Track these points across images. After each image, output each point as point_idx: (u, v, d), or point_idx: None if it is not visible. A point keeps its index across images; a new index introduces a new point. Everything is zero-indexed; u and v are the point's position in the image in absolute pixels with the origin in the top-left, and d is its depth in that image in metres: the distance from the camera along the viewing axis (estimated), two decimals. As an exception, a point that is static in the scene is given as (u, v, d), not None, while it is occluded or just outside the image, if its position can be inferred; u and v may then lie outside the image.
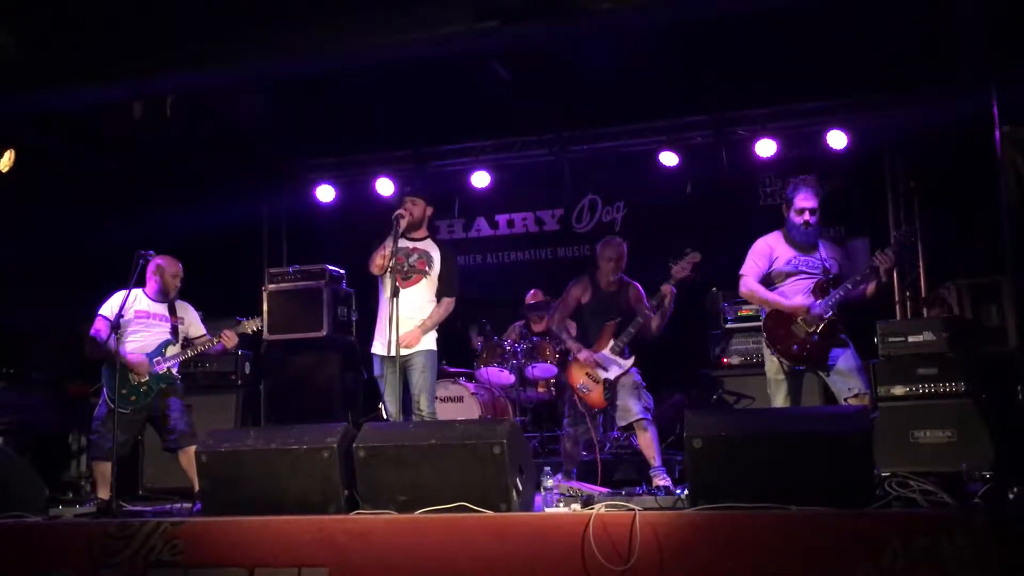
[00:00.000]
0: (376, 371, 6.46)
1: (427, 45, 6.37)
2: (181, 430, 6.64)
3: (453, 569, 4.33)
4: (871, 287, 5.83)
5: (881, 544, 3.88)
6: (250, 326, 7.03)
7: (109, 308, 6.58)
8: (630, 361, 6.66)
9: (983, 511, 4.06)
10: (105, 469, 6.36)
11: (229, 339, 6.79)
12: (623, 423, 6.67)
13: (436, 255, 6.52)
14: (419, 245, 6.52)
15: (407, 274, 6.37)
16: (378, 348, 6.38)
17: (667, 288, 6.53)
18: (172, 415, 6.64)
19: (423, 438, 4.75)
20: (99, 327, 6.55)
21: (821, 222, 6.05)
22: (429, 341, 6.43)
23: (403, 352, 6.12)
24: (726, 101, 8.94)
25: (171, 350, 6.73)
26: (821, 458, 4.28)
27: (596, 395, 6.67)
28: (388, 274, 6.24)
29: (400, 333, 6.02)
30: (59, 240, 8.59)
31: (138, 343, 6.64)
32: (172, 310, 6.82)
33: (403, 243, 6.36)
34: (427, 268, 6.45)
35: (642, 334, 6.64)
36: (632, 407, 6.54)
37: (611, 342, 6.69)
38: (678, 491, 5.20)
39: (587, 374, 6.71)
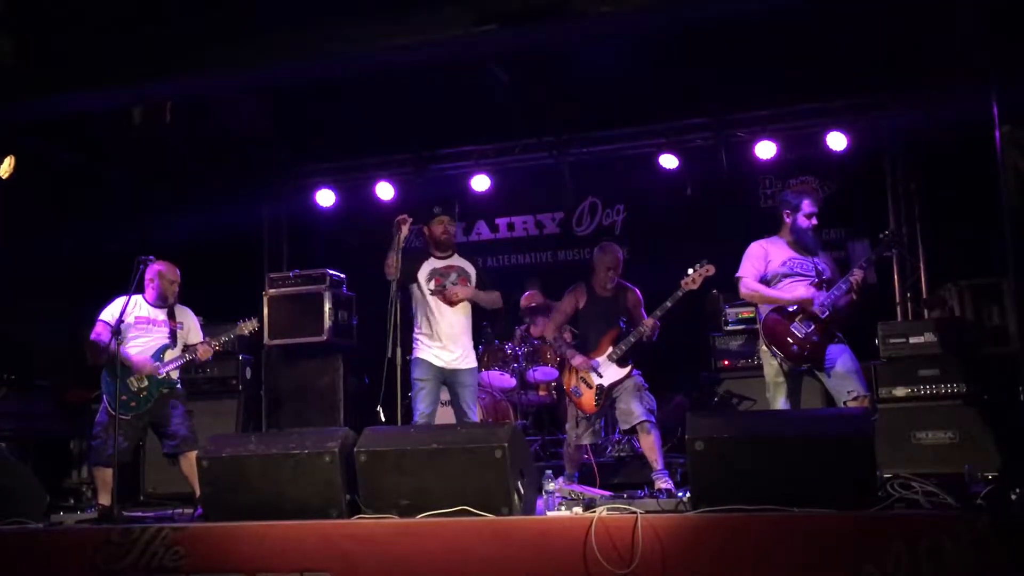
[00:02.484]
0: (421, 374, 6.51)
1: (426, 49, 6.37)
2: (182, 435, 6.63)
3: (455, 573, 4.33)
4: (853, 297, 5.89)
5: (884, 546, 3.88)
6: (247, 327, 7.03)
7: (110, 313, 6.58)
8: (626, 369, 6.66)
9: (986, 512, 4.05)
10: (106, 475, 6.36)
11: (204, 353, 6.81)
12: (626, 426, 6.67)
13: (470, 268, 6.69)
14: (452, 262, 6.67)
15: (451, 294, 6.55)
16: (427, 355, 6.52)
17: (650, 323, 6.53)
18: (173, 420, 6.64)
19: (424, 442, 4.75)
20: (100, 331, 6.54)
21: (820, 224, 6.11)
22: (471, 359, 6.64)
23: (452, 366, 6.47)
24: (726, 103, 8.94)
25: (169, 354, 6.72)
26: (823, 460, 4.28)
27: (587, 399, 6.68)
28: (430, 293, 6.51)
29: (450, 347, 6.46)
30: (60, 246, 8.59)
31: (139, 348, 6.63)
32: (172, 315, 6.82)
33: (435, 264, 6.58)
34: (468, 283, 6.63)
35: (640, 340, 6.66)
36: (635, 409, 6.53)
37: (609, 349, 6.69)
38: (680, 494, 5.19)
39: (580, 378, 6.73)
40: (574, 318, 7.00)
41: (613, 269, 6.84)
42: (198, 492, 6.32)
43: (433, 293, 6.50)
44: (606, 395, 6.66)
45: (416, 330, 6.62)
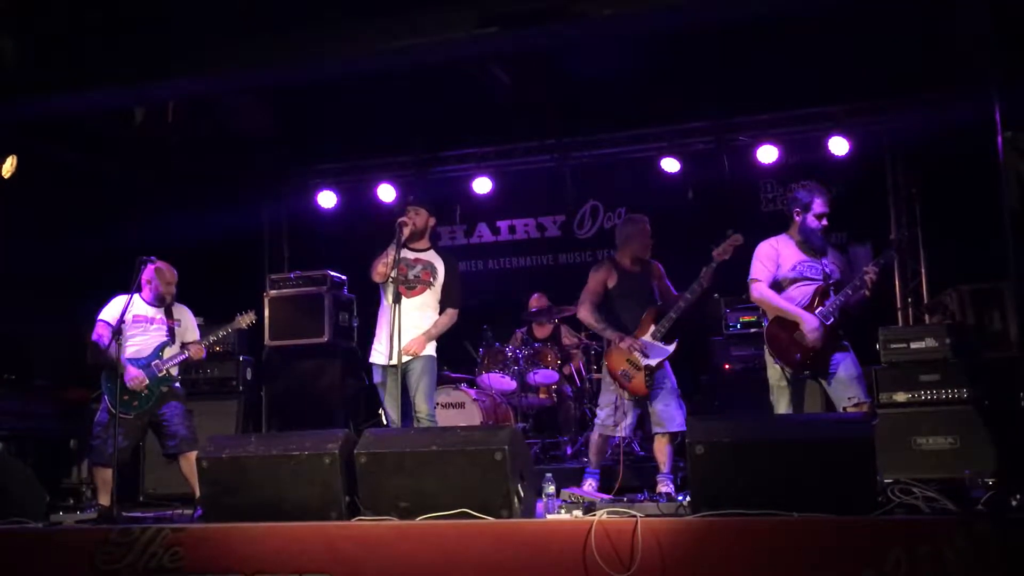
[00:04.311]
0: (376, 379, 6.43)
1: (429, 51, 6.38)
2: (182, 435, 6.62)
3: (454, 576, 4.33)
4: (867, 294, 5.85)
5: (884, 551, 3.87)
6: (245, 320, 7.02)
7: (109, 313, 6.58)
8: (673, 346, 6.44)
9: (986, 517, 4.05)
10: (106, 475, 6.35)
11: (196, 353, 6.80)
12: (661, 429, 6.44)
13: (440, 266, 6.48)
14: (422, 256, 6.48)
15: (411, 284, 6.35)
16: (377, 357, 6.36)
17: (707, 273, 6.30)
18: (173, 420, 6.63)
19: (424, 444, 4.74)
20: (101, 332, 6.54)
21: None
22: (428, 347, 6.41)
23: (403, 359, 6.13)
24: (727, 107, 8.95)
25: (168, 352, 6.72)
26: (824, 465, 4.28)
27: (639, 382, 6.40)
28: (390, 282, 6.22)
29: (403, 342, 6.04)
30: (61, 246, 8.59)
31: (137, 347, 6.63)
32: (169, 312, 6.83)
33: (405, 253, 6.33)
34: (431, 279, 6.43)
35: (680, 316, 6.45)
36: (677, 417, 6.38)
37: (652, 328, 6.45)
38: (680, 497, 5.18)
39: (628, 360, 6.43)
40: (604, 297, 6.68)
41: (647, 236, 6.66)
42: (198, 493, 6.33)
43: (393, 281, 6.18)
44: (653, 376, 6.45)
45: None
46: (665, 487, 6.25)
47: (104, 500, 6.38)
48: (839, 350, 5.83)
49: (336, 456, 4.80)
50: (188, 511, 6.02)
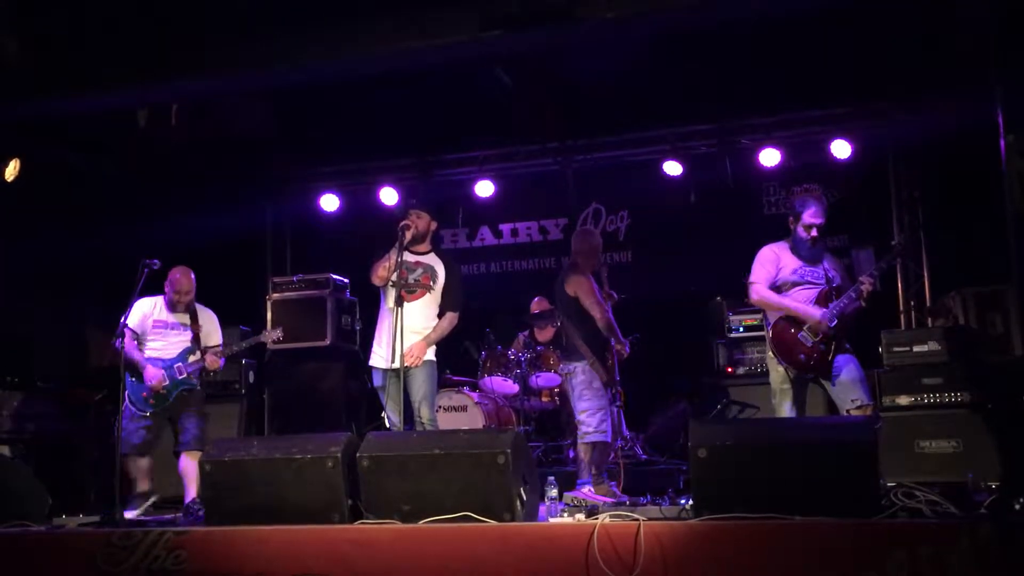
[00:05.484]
0: (377, 382, 6.40)
1: (432, 53, 6.39)
2: (194, 435, 6.75)
3: (457, 579, 4.33)
4: (862, 304, 5.87)
5: (886, 555, 3.87)
6: (271, 336, 7.31)
7: (132, 318, 6.65)
8: None
9: (989, 521, 4.05)
10: (140, 463, 6.65)
11: (211, 363, 6.87)
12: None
13: (440, 269, 6.45)
14: (422, 259, 6.45)
15: (411, 288, 6.33)
16: (377, 361, 6.35)
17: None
18: (188, 421, 6.78)
19: (427, 447, 4.74)
20: (119, 335, 6.59)
21: (825, 231, 6.07)
22: (428, 352, 6.39)
23: (398, 365, 6.07)
24: (730, 110, 8.95)
25: (192, 357, 6.84)
26: (826, 468, 4.27)
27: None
28: (391, 286, 6.20)
29: (397, 344, 6.01)
30: (64, 248, 8.59)
31: (157, 351, 6.78)
32: (194, 318, 6.91)
33: (406, 257, 6.28)
34: (431, 283, 6.40)
35: None
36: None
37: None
38: (682, 501, 5.18)
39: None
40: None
41: (600, 245, 7.01)
42: (189, 495, 6.47)
43: (394, 285, 6.15)
44: None
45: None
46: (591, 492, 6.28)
47: (143, 487, 6.69)
48: (843, 353, 5.83)
49: (338, 459, 4.80)
50: (178, 514, 6.07)
